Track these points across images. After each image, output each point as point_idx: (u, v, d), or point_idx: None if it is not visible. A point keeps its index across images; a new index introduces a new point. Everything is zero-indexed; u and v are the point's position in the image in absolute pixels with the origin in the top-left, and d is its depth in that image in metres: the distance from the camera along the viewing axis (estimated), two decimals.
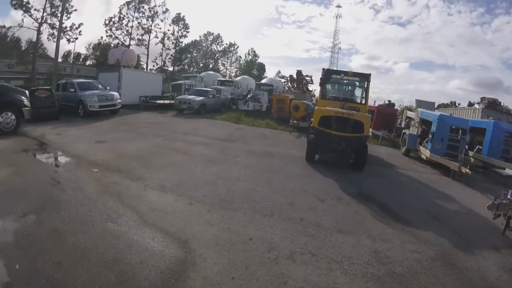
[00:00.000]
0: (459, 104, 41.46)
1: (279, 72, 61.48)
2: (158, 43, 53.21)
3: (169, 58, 55.27)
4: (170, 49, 54.79)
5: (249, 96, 24.07)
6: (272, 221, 5.58)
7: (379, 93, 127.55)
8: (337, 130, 9.51)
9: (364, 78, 11.77)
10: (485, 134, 13.39)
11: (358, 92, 12.38)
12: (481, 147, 13.26)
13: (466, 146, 13.18)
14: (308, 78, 30.34)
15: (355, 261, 4.54)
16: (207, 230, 5.01)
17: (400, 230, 5.86)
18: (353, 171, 9.87)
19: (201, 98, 21.83)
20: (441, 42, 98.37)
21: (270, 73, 63.63)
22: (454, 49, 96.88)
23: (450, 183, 10.01)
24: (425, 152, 12.60)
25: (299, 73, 29.93)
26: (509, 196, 6.43)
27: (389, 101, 21.40)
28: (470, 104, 25.97)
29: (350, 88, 12.76)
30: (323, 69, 12.05)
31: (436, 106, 33.87)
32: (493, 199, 6.32)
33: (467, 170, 10.27)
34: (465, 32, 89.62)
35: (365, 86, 11.78)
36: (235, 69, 64.36)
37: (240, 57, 65.64)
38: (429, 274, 4.53)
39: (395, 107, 22.10)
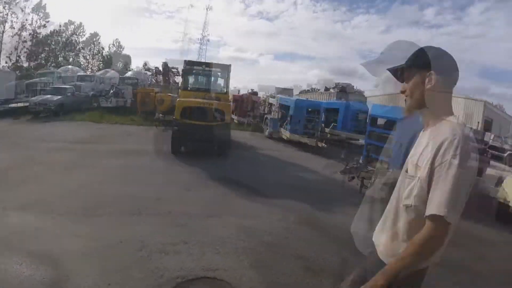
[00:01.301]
0: (318, 89, 45.69)
1: (146, 64, 57.71)
2: (14, 35, 45.47)
3: (25, 52, 47.28)
4: (26, 42, 47.03)
5: (112, 91, 22.55)
6: (141, 219, 5.38)
7: (245, 83, 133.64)
8: (199, 120, 9.64)
9: (225, 68, 12.16)
10: (338, 113, 15.71)
11: (219, 82, 12.72)
12: (336, 124, 15.28)
13: (323, 124, 15.10)
14: (174, 70, 29.80)
15: (226, 240, 4.66)
16: (75, 242, 4.54)
17: (266, 204, 6.25)
18: (219, 158, 10.09)
19: (59, 97, 19.29)
20: (304, 36, 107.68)
21: (136, 66, 60.04)
22: (316, 42, 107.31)
23: (309, 157, 11.09)
24: (286, 133, 13.86)
25: (165, 65, 29.19)
26: (360, 161, 7.41)
27: (252, 89, 22.65)
28: (326, 89, 29.27)
29: (212, 78, 12.97)
30: (185, 60, 12.08)
31: (299, 92, 36.94)
32: (345, 164, 7.21)
33: (323, 144, 11.64)
34: (328, 27, 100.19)
35: (226, 76, 12.18)
36: (98, 62, 59.01)
37: (103, 48, 60.64)
38: (297, 237, 4.95)
39: (258, 95, 23.39)
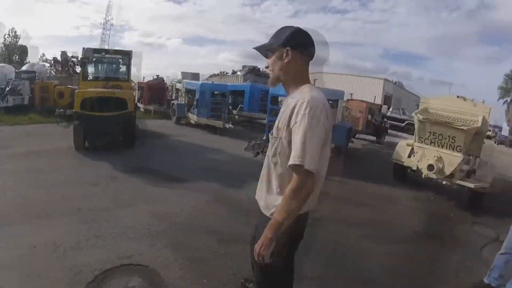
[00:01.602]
0: (227, 73, 46.28)
1: (43, 55, 51.77)
2: None
3: None
4: None
5: (7, 89, 20.19)
6: (50, 220, 5.14)
7: (153, 69, 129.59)
8: (100, 111, 9.23)
9: (126, 55, 11.73)
10: (244, 94, 16.47)
11: (121, 69, 12.27)
12: (242, 105, 15.89)
13: (230, 107, 15.58)
14: (75, 59, 27.58)
15: (137, 227, 4.76)
16: None
17: (175, 188, 6.44)
18: (125, 148, 9.79)
19: None
20: (214, 19, 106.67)
21: (34, 57, 53.95)
22: (226, 26, 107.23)
23: (217, 139, 11.46)
24: (193, 118, 14.06)
25: (63, 54, 26.83)
26: (263, 137, 7.95)
27: (157, 75, 22.11)
28: (234, 72, 29.81)
29: (113, 66, 12.49)
30: (83, 48, 11.41)
31: (208, 76, 37.00)
32: (248, 141, 7.69)
33: (230, 125, 12.10)
34: (237, 11, 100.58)
35: (128, 63, 11.78)
36: None
37: None
38: (208, 214, 5.28)
39: (165, 81, 22.94)
